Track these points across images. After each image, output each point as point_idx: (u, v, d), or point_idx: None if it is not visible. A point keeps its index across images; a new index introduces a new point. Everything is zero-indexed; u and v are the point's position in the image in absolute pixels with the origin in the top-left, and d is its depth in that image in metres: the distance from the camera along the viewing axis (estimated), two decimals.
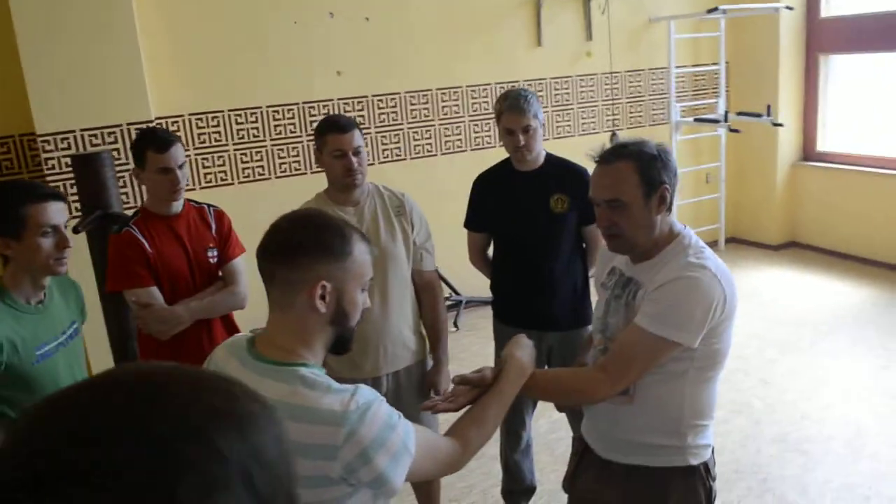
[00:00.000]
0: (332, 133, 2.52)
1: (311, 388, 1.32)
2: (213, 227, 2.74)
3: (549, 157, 2.91)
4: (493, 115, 5.73)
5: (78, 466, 0.49)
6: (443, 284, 5.44)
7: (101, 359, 4.24)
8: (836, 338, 4.80)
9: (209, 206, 2.81)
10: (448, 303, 5.58)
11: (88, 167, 3.54)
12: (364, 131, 5.28)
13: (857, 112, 6.45)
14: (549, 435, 3.87)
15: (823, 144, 6.57)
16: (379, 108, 5.31)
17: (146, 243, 2.56)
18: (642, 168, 1.80)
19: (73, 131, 4.24)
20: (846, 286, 5.74)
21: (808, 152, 6.65)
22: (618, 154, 1.83)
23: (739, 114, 6.32)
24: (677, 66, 6.31)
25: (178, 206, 2.67)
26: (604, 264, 2.09)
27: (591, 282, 2.40)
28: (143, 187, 2.74)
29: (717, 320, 1.78)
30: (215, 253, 2.69)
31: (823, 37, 6.35)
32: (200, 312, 2.58)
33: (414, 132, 5.47)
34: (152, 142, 2.57)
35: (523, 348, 1.78)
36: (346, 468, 1.29)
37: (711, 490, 1.95)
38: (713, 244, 6.84)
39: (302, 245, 1.39)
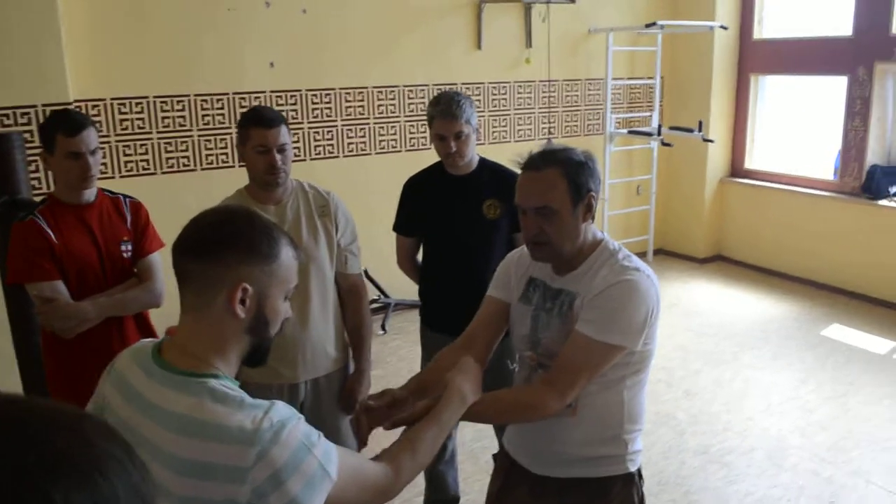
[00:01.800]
0: (257, 127, 2.38)
1: (221, 403, 1.20)
2: (129, 219, 2.58)
3: (483, 161, 2.85)
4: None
5: None
6: (371, 287, 5.35)
7: (5, 353, 4.00)
8: (758, 352, 4.89)
9: (125, 196, 2.64)
10: (376, 305, 5.48)
11: None
12: (297, 126, 5.17)
13: (784, 132, 6.63)
14: (474, 444, 3.80)
15: (751, 162, 6.73)
16: (313, 104, 5.17)
17: (52, 233, 2.38)
18: (571, 175, 1.77)
19: None
20: (769, 301, 5.88)
21: (737, 169, 6.80)
22: (546, 160, 1.79)
23: (672, 128, 6.42)
24: (614, 78, 6.36)
25: (89, 194, 2.50)
26: (515, 272, 1.98)
27: None
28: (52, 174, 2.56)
29: (652, 320, 1.78)
30: (129, 247, 2.52)
31: (755, 57, 6.50)
32: (110, 309, 2.41)
33: (348, 129, 5.34)
34: (63, 124, 2.40)
35: (467, 373, 1.69)
36: (255, 492, 1.17)
37: (643, 495, 1.96)
38: (642, 255, 6.91)
39: (226, 241, 1.26)
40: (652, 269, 1.86)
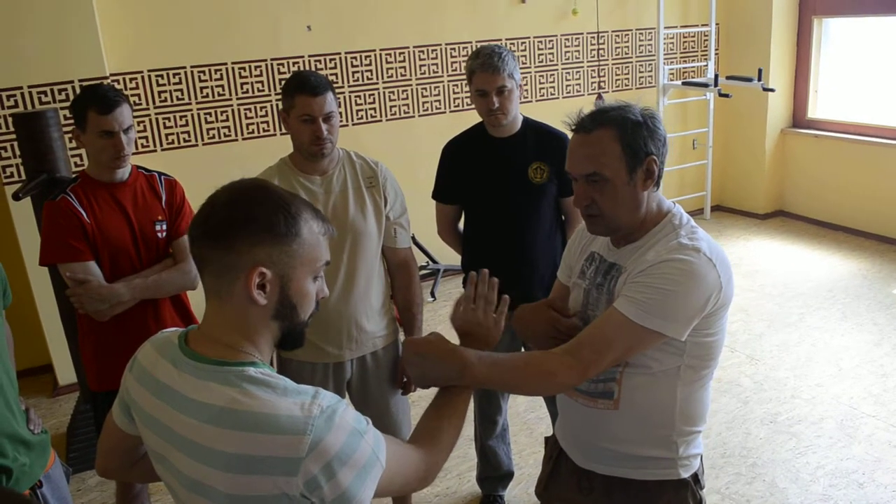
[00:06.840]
0: (302, 94, 2.23)
1: (264, 391, 1.13)
2: (164, 197, 2.48)
3: (527, 121, 2.67)
4: None
5: None
6: (420, 253, 5.23)
7: (57, 333, 4.01)
8: (826, 312, 4.64)
9: (160, 174, 2.55)
10: (425, 272, 5.37)
11: (32, 127, 3.26)
12: (337, 91, 5.01)
13: (849, 78, 6.23)
14: (528, 414, 3.69)
15: (814, 111, 6.37)
16: (353, 67, 5.02)
17: (84, 213, 2.30)
18: (625, 137, 1.56)
19: (21, 88, 3.92)
20: (835, 258, 5.58)
21: (798, 119, 6.45)
22: (597, 121, 1.58)
23: (729, 78, 6.09)
24: (666, 27, 6.05)
25: (123, 173, 2.41)
26: (579, 250, 1.84)
27: None
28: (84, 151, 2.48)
29: (709, 310, 1.56)
30: (164, 226, 2.43)
31: None
32: (145, 291, 2.33)
33: (390, 92, 5.18)
34: (95, 100, 2.30)
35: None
36: (307, 484, 1.10)
37: (702, 501, 1.76)
38: (698, 212, 6.66)
39: (237, 223, 1.16)
40: (710, 232, 1.61)
